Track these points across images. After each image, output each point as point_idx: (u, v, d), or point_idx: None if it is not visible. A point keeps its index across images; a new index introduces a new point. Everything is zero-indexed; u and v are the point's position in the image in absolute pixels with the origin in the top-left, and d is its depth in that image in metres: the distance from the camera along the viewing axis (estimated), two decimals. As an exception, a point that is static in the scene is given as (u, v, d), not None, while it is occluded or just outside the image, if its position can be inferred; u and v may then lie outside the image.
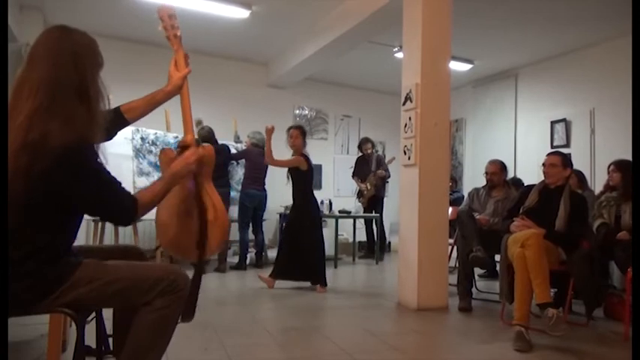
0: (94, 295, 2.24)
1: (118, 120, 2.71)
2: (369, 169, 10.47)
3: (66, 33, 2.29)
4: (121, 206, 2.26)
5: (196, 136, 8.64)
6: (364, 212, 10.63)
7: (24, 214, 2.08)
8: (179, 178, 2.58)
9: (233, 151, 9.10)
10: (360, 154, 10.93)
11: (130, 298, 2.29)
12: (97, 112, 2.28)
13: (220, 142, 8.56)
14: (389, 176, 10.41)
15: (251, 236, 9.08)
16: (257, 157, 9.05)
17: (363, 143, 10.85)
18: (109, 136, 2.57)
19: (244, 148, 9.33)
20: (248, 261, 8.86)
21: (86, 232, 8.30)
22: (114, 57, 9.12)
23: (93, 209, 2.28)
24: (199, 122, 8.30)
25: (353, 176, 10.97)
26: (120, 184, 2.26)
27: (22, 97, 2.12)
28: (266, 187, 9.08)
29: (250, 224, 8.97)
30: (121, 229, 7.76)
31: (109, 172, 2.23)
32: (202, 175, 2.84)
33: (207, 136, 8.57)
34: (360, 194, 10.73)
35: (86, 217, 7.13)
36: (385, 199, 10.69)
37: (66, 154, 2.05)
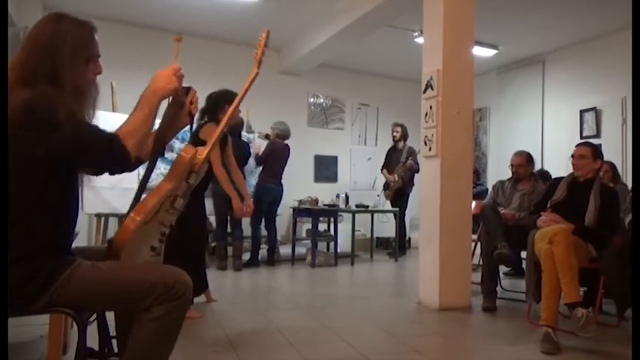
0: (87, 298, 2.23)
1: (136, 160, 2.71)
2: (399, 161, 10.46)
3: (54, 20, 2.34)
4: (103, 142, 2.18)
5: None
6: (392, 206, 10.62)
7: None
8: (159, 96, 2.42)
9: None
10: (392, 144, 10.94)
11: (125, 303, 2.28)
12: (72, 102, 2.25)
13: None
14: (418, 170, 10.31)
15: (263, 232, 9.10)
16: (282, 151, 9.09)
17: (392, 129, 10.89)
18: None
19: (268, 141, 9.34)
20: (259, 257, 8.88)
21: (88, 230, 8.33)
22: (115, 41, 9.23)
23: (74, 157, 2.20)
24: None
25: (382, 170, 10.95)
26: (97, 126, 2.22)
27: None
28: (282, 181, 9.10)
29: (262, 219, 8.98)
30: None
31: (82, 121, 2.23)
32: (170, 176, 2.69)
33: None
34: (386, 186, 10.71)
35: (88, 212, 7.06)
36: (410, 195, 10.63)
37: (13, 115, 2.08)
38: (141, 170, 2.89)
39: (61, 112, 2.09)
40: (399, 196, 10.49)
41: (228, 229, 8.46)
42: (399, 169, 10.37)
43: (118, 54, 8.87)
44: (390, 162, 10.72)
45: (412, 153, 10.38)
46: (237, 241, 8.42)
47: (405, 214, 10.49)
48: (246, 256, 8.78)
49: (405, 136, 10.66)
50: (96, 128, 2.20)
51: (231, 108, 3.04)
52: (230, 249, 8.55)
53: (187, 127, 2.83)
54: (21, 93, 2.11)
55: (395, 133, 10.71)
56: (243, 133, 9.14)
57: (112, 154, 2.20)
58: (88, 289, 2.22)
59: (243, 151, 8.33)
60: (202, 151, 2.76)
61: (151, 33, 9.91)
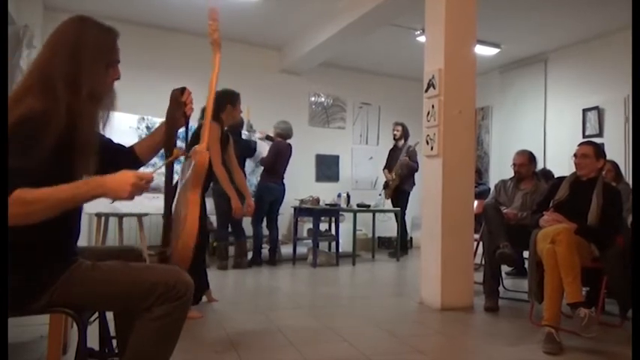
0: (87, 298, 2.25)
1: (134, 160, 2.77)
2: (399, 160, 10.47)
3: (78, 23, 2.36)
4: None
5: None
6: (392, 205, 10.62)
7: None
8: (100, 194, 2.15)
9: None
10: (393, 143, 10.94)
11: (126, 303, 2.28)
12: (88, 105, 2.28)
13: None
14: (416, 168, 10.32)
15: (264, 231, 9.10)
16: (286, 150, 9.10)
17: (393, 128, 10.90)
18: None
19: (271, 142, 9.36)
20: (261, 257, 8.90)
21: (88, 230, 8.32)
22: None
23: None
24: None
25: (384, 169, 10.95)
26: (24, 171, 1.99)
27: (23, 79, 2.24)
28: (284, 180, 9.11)
29: (264, 219, 9.00)
30: (125, 224, 7.73)
31: (28, 149, 2.03)
32: (187, 184, 2.71)
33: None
34: (385, 185, 10.71)
35: (88, 212, 7.06)
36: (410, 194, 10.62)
37: (16, 120, 2.06)
38: (143, 169, 2.90)
39: (39, 143, 2.06)
40: (398, 195, 10.49)
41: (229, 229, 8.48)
42: (397, 166, 10.37)
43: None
44: (391, 161, 10.72)
45: (410, 151, 10.40)
46: (241, 240, 8.47)
47: (405, 214, 10.47)
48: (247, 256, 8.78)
49: (405, 135, 10.65)
50: (21, 173, 1.99)
51: (210, 96, 3.01)
52: (231, 249, 8.55)
53: (188, 127, 2.84)
54: (31, 102, 2.10)
55: (395, 132, 10.72)
56: (244, 132, 9.15)
57: None
58: (88, 289, 2.23)
59: (247, 151, 8.49)
60: (203, 147, 2.76)
61: (153, 32, 9.92)
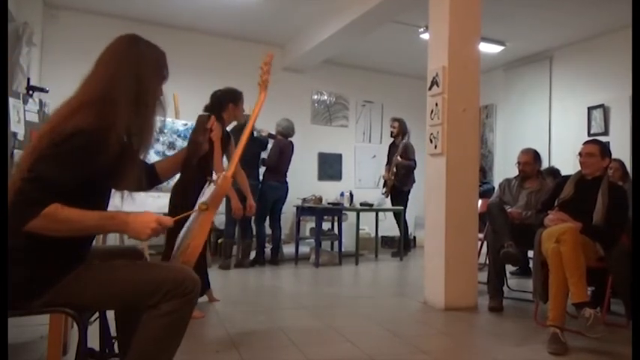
0: (93, 297, 2.26)
1: (154, 178, 2.88)
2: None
3: (133, 41, 2.47)
4: (29, 195, 2.05)
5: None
6: (391, 204, 10.57)
7: None
8: (121, 231, 2.33)
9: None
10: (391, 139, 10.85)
11: (133, 301, 2.29)
12: (148, 121, 2.43)
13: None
14: (414, 167, 10.28)
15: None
16: (288, 149, 9.11)
17: (390, 124, 10.79)
18: (146, 187, 2.80)
19: (273, 140, 9.35)
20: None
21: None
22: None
23: None
24: None
25: (385, 167, 10.89)
26: (63, 183, 2.11)
27: (78, 93, 2.31)
28: (287, 179, 9.11)
29: (267, 218, 9.00)
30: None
31: (78, 163, 2.14)
32: (213, 206, 2.76)
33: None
34: (384, 184, 10.67)
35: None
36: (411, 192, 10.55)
37: (64, 135, 2.11)
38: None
39: (86, 159, 2.15)
40: (397, 193, 10.41)
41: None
42: (392, 166, 10.34)
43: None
44: (391, 159, 10.63)
45: (405, 149, 10.30)
46: (247, 240, 8.55)
47: (405, 212, 10.41)
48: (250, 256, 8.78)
49: (403, 132, 10.49)
50: (60, 185, 2.10)
51: (243, 138, 3.05)
52: (234, 248, 8.56)
53: (189, 125, 2.92)
54: (88, 115, 2.18)
55: (392, 129, 10.59)
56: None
57: (20, 206, 2.06)
58: (96, 288, 2.26)
59: (260, 146, 8.86)
60: (229, 174, 2.82)
61: (153, 29, 9.88)
